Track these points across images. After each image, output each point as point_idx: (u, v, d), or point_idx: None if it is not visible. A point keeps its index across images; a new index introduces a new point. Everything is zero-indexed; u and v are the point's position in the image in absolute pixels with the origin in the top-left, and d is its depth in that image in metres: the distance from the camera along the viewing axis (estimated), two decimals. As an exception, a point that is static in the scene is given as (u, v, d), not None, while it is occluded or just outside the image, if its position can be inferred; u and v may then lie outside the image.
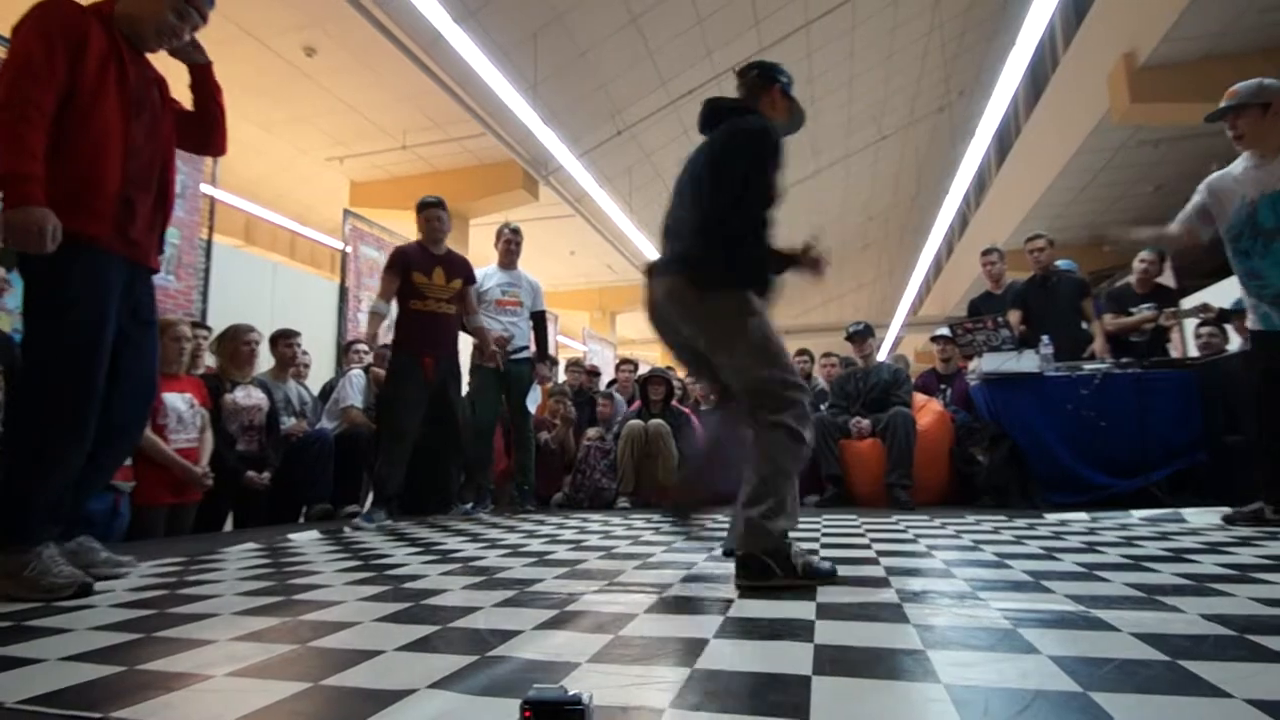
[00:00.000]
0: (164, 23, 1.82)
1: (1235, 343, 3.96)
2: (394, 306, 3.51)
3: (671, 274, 1.69)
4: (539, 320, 4.35)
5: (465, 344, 4.18)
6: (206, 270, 4.58)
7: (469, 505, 3.80)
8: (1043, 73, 9.50)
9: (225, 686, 0.90)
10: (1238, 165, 2.72)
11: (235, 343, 3.59)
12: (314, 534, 2.85)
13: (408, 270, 3.47)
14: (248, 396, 3.56)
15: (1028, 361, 3.76)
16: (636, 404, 4.83)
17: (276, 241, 10.50)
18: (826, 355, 5.44)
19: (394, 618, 1.26)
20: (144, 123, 1.82)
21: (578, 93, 8.31)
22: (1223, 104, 2.63)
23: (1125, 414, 3.61)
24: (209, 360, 3.67)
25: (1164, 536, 2.28)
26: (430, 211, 3.62)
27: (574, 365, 5.68)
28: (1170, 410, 3.60)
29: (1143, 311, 4.28)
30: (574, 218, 10.41)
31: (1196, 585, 1.41)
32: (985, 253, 4.93)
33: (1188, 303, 4.96)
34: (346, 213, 6.19)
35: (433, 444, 3.54)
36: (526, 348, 4.23)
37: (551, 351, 5.76)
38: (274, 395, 3.76)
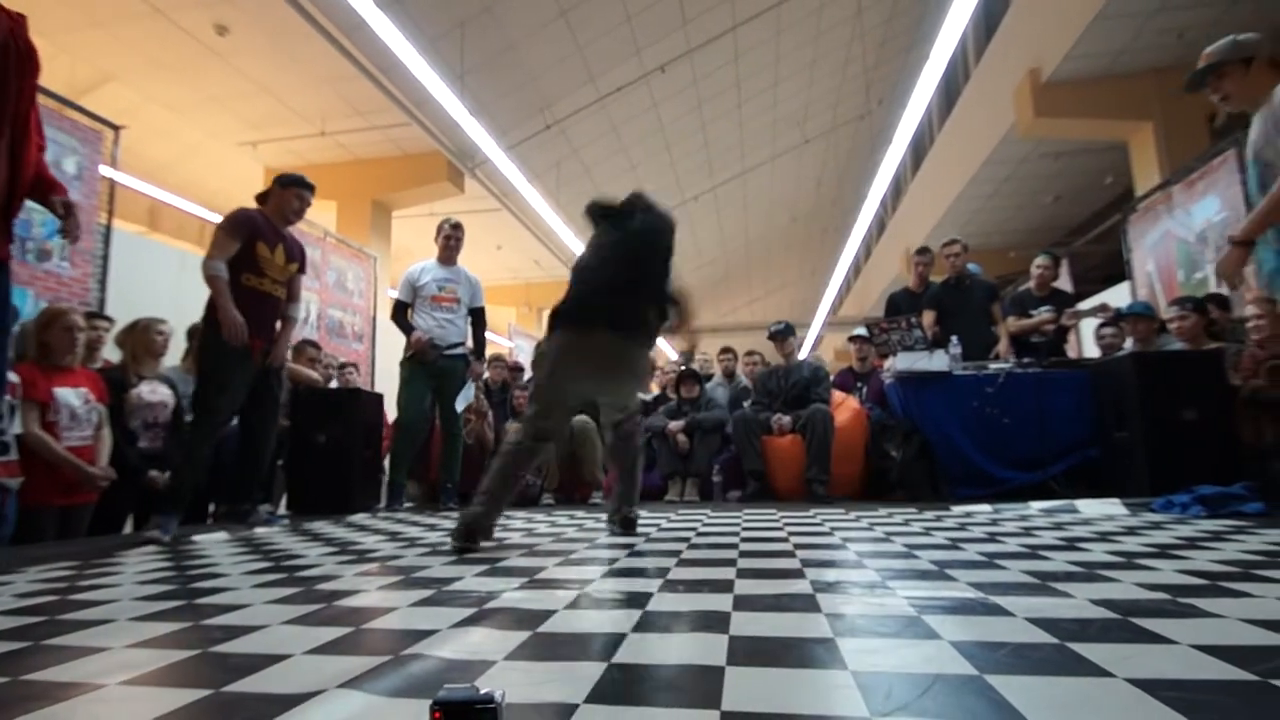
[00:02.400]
0: None
1: (1130, 344, 4.23)
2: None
3: (631, 332, 2.34)
4: (478, 317, 4.28)
5: (398, 338, 4.08)
6: (105, 258, 4.28)
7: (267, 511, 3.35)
8: (955, 85, 9.99)
9: (118, 696, 0.85)
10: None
11: (147, 335, 3.37)
12: (222, 535, 2.71)
13: (254, 239, 3.04)
14: (153, 392, 3.35)
15: (938, 361, 3.96)
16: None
17: (184, 229, 9.88)
18: (749, 354, 5.55)
19: (304, 620, 1.21)
20: None
21: (506, 85, 8.19)
22: (1201, 65, 2.40)
23: (1026, 411, 3.84)
24: (109, 353, 3.44)
25: (1059, 526, 2.44)
26: (300, 191, 3.23)
27: (496, 360, 5.59)
28: (1067, 408, 3.84)
29: (1042, 314, 4.57)
30: (501, 212, 10.25)
31: (1086, 572, 1.51)
32: (919, 252, 5.17)
33: (1087, 304, 5.33)
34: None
35: (246, 434, 3.13)
36: (461, 344, 4.17)
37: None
38: (184, 391, 3.55)
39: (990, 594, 1.29)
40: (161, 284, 4.76)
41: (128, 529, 3.29)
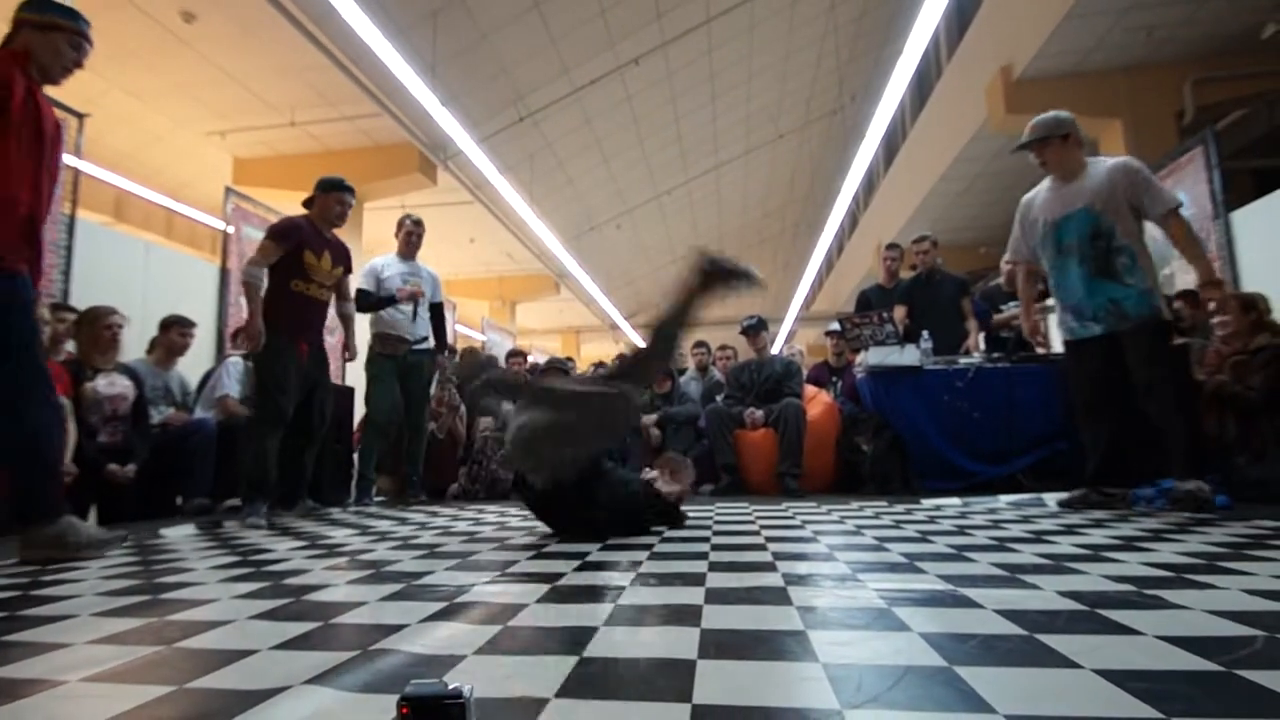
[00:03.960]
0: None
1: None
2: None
3: None
4: (439, 313, 4.28)
5: (365, 333, 4.02)
6: (69, 248, 4.15)
7: (310, 503, 3.49)
8: (928, 81, 10.09)
9: (80, 692, 0.83)
10: (1040, 191, 2.94)
11: (95, 326, 3.28)
12: (189, 529, 2.65)
13: (301, 248, 3.20)
14: (110, 385, 3.26)
15: (909, 355, 4.00)
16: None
17: (151, 220, 9.62)
18: (723, 348, 5.57)
19: (271, 615, 1.19)
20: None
21: (478, 77, 8.09)
22: (1025, 137, 2.84)
23: (995, 405, 3.89)
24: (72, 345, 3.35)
25: (1027, 519, 2.48)
26: (340, 195, 3.37)
27: (469, 354, 5.54)
28: (1034, 402, 3.88)
29: (1010, 309, 4.65)
30: (473, 204, 10.13)
31: (1054, 564, 1.53)
32: (889, 247, 5.22)
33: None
34: (229, 190, 5.75)
35: (291, 434, 3.25)
36: (427, 338, 4.16)
37: (451, 342, 5.64)
38: (146, 383, 3.47)
39: (959, 586, 1.30)
40: (127, 275, 4.63)
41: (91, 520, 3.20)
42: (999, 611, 1.10)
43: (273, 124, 8.25)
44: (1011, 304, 4.67)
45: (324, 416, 3.35)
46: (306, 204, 3.39)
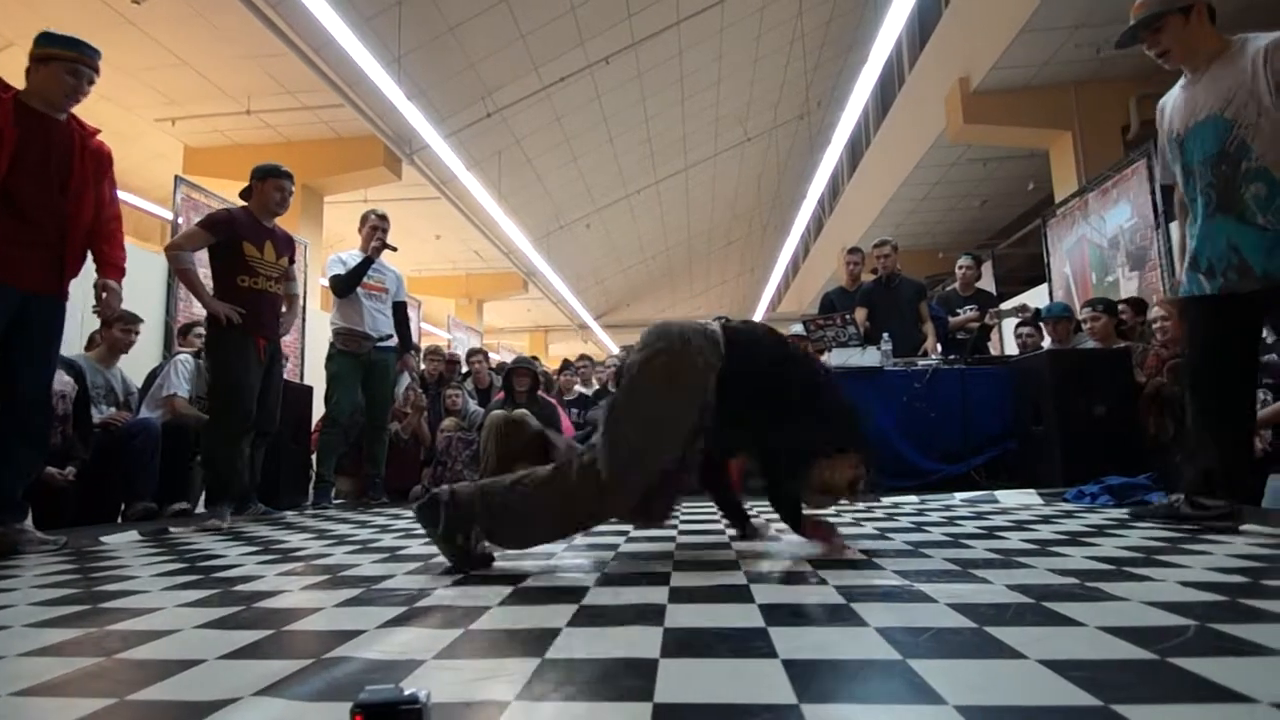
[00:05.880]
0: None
1: (1047, 342, 4.48)
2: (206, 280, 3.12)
3: None
4: (402, 311, 4.23)
5: (326, 330, 3.94)
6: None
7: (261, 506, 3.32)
8: (890, 90, 10.30)
9: (11, 708, 0.79)
10: (1172, 94, 2.18)
11: None
12: (132, 535, 2.56)
13: (237, 240, 3.08)
14: (49, 382, 3.12)
15: (870, 357, 4.08)
16: (500, 394, 4.75)
17: (93, 208, 9.27)
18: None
19: (220, 623, 1.15)
20: None
21: (446, 70, 7.99)
22: (1136, 18, 2.10)
23: (951, 406, 3.99)
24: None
25: (980, 516, 2.55)
26: (279, 181, 3.24)
27: (433, 353, 5.47)
28: (988, 402, 4.01)
29: (966, 312, 4.77)
30: (440, 200, 10.00)
31: (1004, 559, 1.58)
32: (850, 251, 5.31)
33: (1009, 305, 5.60)
34: (179, 180, 5.57)
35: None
36: (392, 336, 4.09)
37: (416, 340, 5.56)
38: (89, 381, 3.33)
39: (915, 581, 1.33)
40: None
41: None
42: (951, 605, 1.13)
43: (227, 111, 8.03)
44: (967, 307, 4.79)
45: (274, 417, 3.26)
46: (244, 194, 3.25)
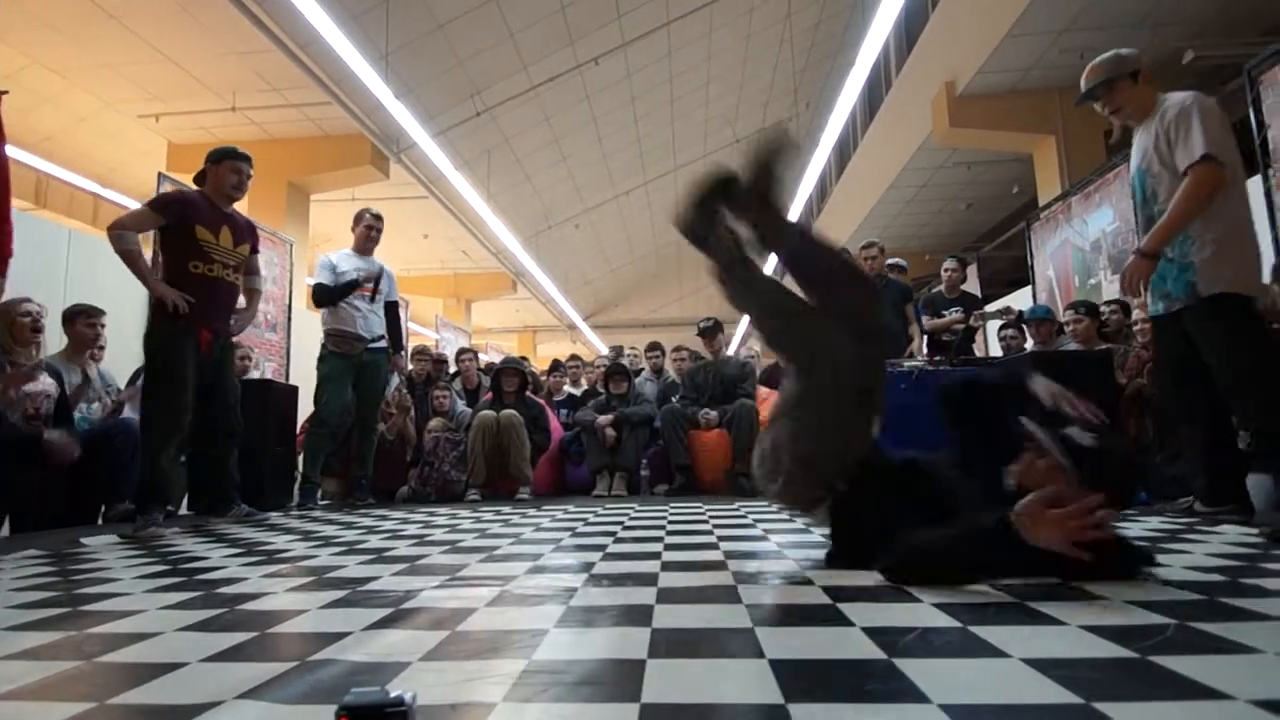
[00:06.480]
0: None
1: (1030, 344, 4.51)
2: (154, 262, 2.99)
3: None
4: (394, 312, 4.20)
5: (314, 329, 3.89)
6: (-18, 235, 3.90)
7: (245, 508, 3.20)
8: (878, 93, 10.36)
9: (-14, 714, 0.78)
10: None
11: (7, 318, 3.09)
12: (112, 538, 2.53)
13: (188, 223, 2.89)
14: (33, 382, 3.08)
15: (857, 357, 4.10)
16: (488, 395, 4.74)
17: (75, 205, 9.16)
18: (677, 349, 5.60)
19: (203, 626, 1.14)
20: None
21: (434, 68, 7.95)
22: (1091, 82, 2.40)
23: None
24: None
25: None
26: (235, 164, 3.05)
27: (420, 353, 5.43)
28: (972, 403, 4.04)
29: (953, 314, 4.81)
30: (428, 199, 9.95)
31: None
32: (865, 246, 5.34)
33: (993, 307, 5.65)
34: (162, 177, 5.49)
35: (203, 432, 3.02)
36: (383, 337, 4.07)
37: (405, 341, 5.53)
38: (66, 380, 3.28)
39: (900, 582, 1.34)
40: (48, 264, 4.39)
41: (3, 532, 3.01)
42: (935, 605, 1.14)
43: (211, 108, 7.95)
44: (953, 309, 4.83)
45: (234, 415, 3.10)
46: (199, 179, 3.10)
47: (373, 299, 4.03)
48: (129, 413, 3.58)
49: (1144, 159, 2.34)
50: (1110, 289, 5.30)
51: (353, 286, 3.91)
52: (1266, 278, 2.75)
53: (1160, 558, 1.54)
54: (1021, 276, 7.06)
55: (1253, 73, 3.74)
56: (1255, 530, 1.97)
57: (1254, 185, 3.79)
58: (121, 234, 2.80)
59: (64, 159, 8.29)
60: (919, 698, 0.73)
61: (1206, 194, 2.14)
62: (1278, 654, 0.85)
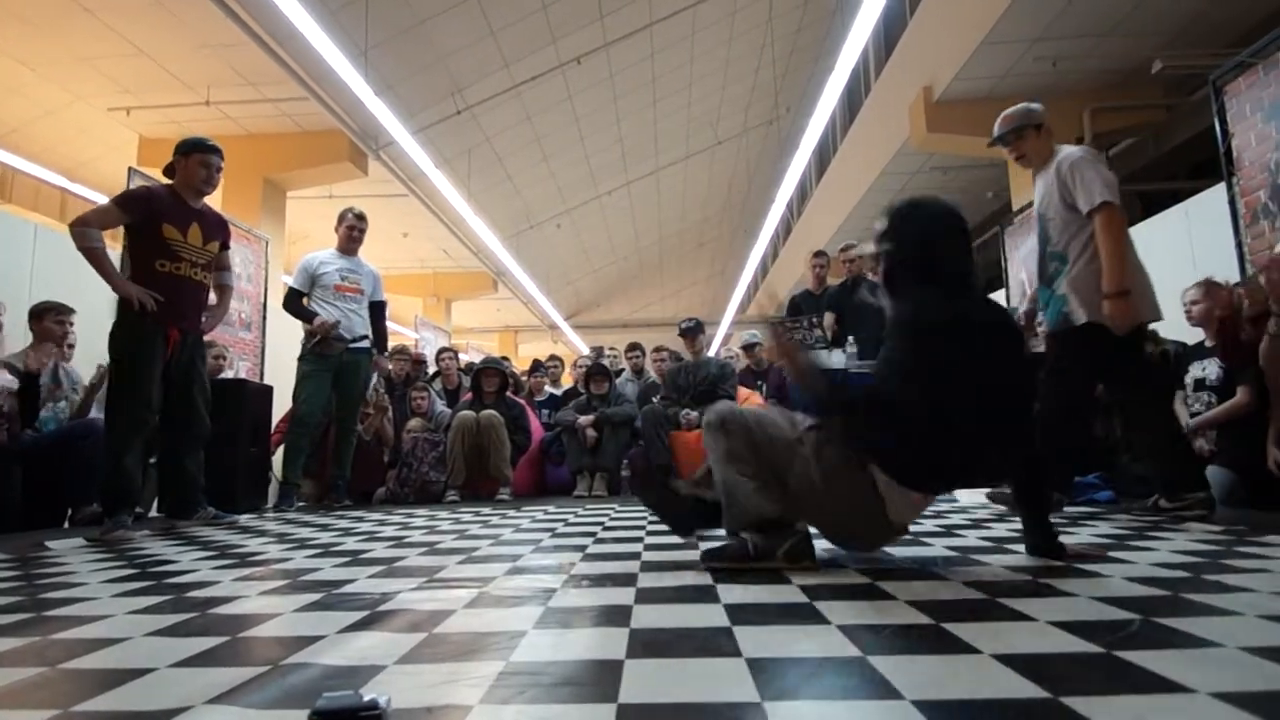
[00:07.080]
0: None
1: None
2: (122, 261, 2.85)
3: None
4: (379, 311, 4.16)
5: (290, 328, 3.84)
6: (-61, 229, 3.80)
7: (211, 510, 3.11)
8: (857, 97, 10.45)
9: (-58, 723, 0.75)
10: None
11: None
12: (78, 541, 2.47)
13: (155, 220, 2.80)
14: (-8, 378, 3.01)
15: (836, 359, 4.14)
16: (468, 395, 4.71)
17: (43, 200, 8.95)
18: (658, 350, 5.62)
19: (171, 631, 1.12)
20: None
21: (414, 65, 7.88)
22: (999, 130, 2.69)
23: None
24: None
25: (938, 515, 2.61)
26: (205, 156, 2.94)
27: (399, 353, 5.38)
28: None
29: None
30: (407, 198, 9.85)
31: (962, 556, 1.63)
32: (816, 254, 5.39)
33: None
34: (133, 172, 5.39)
35: (169, 433, 2.96)
36: (366, 336, 4.03)
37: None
38: (30, 377, 3.21)
39: (876, 579, 1.36)
40: (13, 260, 4.28)
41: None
42: (910, 602, 1.15)
43: (185, 102, 7.79)
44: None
45: (201, 416, 2.99)
46: (168, 171, 2.97)
47: (356, 299, 4.00)
48: (96, 413, 3.50)
49: (1043, 204, 2.60)
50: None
51: (307, 319, 3.85)
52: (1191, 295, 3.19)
53: (1126, 555, 1.58)
54: (995, 279, 7.16)
55: (1218, 83, 3.84)
56: (1218, 527, 2.03)
57: (1218, 193, 3.89)
58: (85, 230, 2.70)
59: (30, 152, 8.09)
60: (893, 694, 0.74)
61: (1118, 231, 2.41)
62: (1239, 648, 0.87)
